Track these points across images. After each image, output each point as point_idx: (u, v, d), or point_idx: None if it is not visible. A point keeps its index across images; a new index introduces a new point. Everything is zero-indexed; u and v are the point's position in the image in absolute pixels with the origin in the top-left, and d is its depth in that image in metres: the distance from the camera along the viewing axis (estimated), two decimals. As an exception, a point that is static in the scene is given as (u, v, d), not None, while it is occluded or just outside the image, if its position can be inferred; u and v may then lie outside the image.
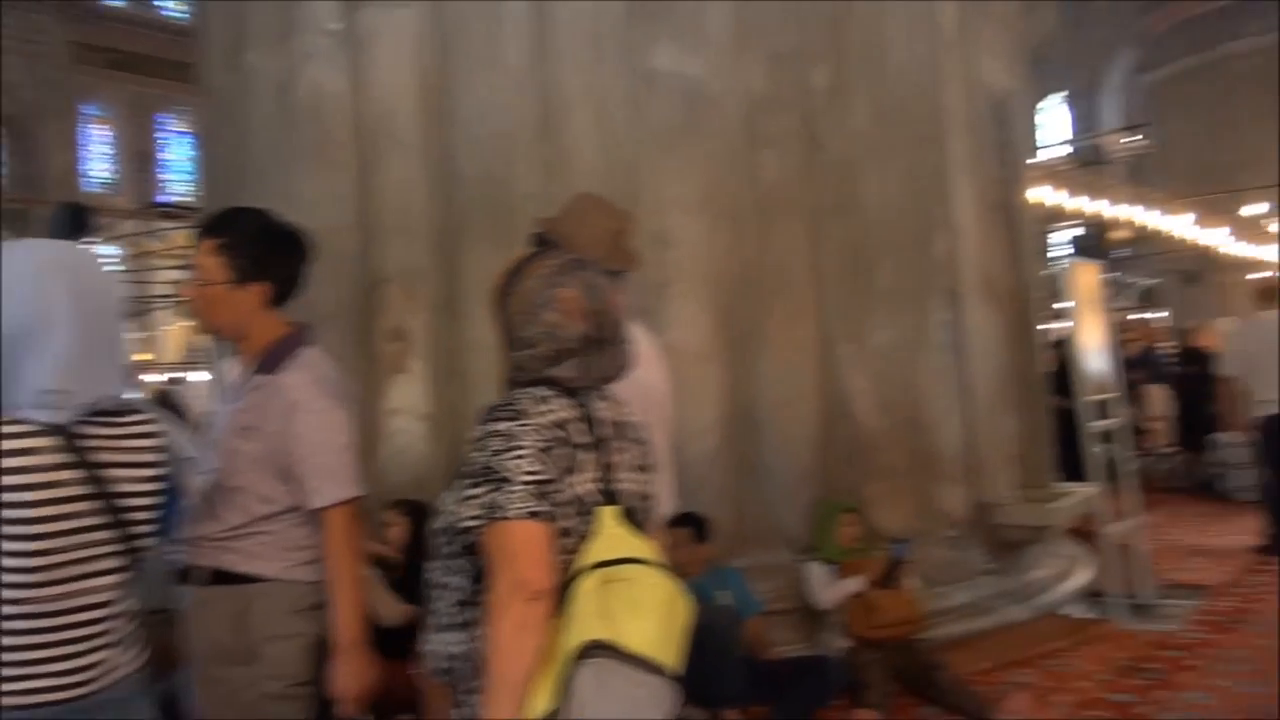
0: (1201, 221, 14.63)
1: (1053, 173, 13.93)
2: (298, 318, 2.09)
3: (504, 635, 1.35)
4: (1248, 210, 15.22)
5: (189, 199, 19.44)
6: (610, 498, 1.47)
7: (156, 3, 21.49)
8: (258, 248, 1.97)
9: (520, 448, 1.40)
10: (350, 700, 1.90)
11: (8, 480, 1.32)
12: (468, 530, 1.43)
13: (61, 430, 1.38)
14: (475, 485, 1.42)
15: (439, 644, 1.52)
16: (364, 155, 4.00)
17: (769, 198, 4.06)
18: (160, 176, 21.97)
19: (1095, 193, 13.24)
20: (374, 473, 3.74)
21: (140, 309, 17.03)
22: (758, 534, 3.93)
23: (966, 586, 4.18)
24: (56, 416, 1.37)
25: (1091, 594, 4.75)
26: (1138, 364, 9.20)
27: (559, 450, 1.43)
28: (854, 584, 3.63)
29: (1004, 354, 4.76)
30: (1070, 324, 5.11)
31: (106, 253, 15.25)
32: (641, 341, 2.23)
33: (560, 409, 1.47)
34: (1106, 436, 4.99)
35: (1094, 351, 5.15)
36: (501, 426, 1.43)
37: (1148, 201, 14.12)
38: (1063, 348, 5.76)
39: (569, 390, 1.50)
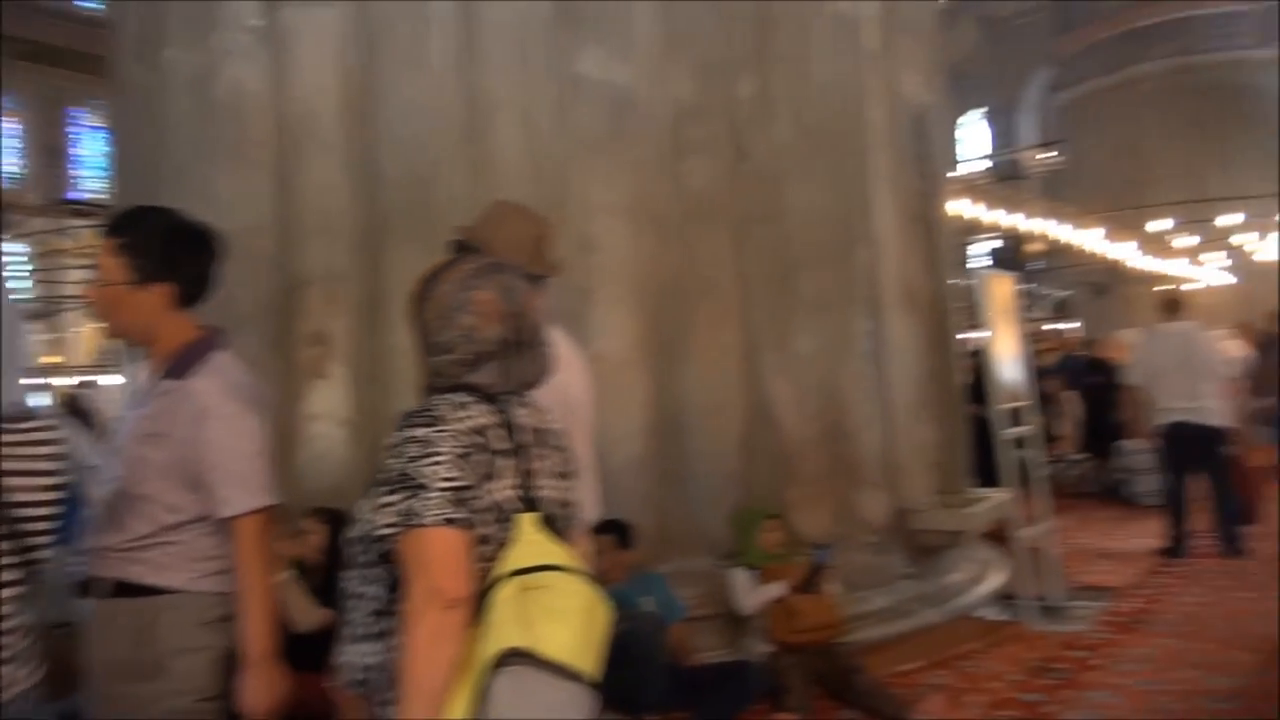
0: (1111, 236, 15.21)
1: (972, 186, 14.34)
2: (213, 320, 2.03)
3: (420, 644, 1.33)
4: (1153, 226, 15.86)
5: (101, 196, 18.77)
6: (530, 504, 1.46)
7: (69, -7, 20.73)
8: (160, 247, 1.91)
9: (437, 454, 1.39)
10: (260, 715, 1.85)
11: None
12: (383, 538, 1.41)
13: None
14: (391, 492, 1.40)
15: (354, 655, 1.49)
16: (284, 155, 3.91)
17: (695, 205, 4.10)
18: (71, 172, 21.16)
19: (1012, 207, 13.66)
20: (292, 479, 3.67)
21: (49, 309, 16.39)
22: (681, 540, 3.95)
23: (886, 591, 4.26)
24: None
25: (1004, 596, 4.88)
26: (1055, 372, 9.53)
27: (477, 457, 1.41)
28: (776, 589, 3.68)
29: (923, 363, 4.87)
30: (986, 334, 5.26)
31: (13, 250, 14.63)
32: (561, 345, 2.23)
33: (479, 415, 1.45)
34: (1019, 443, 5.15)
35: (1008, 361, 5.31)
36: (419, 433, 1.41)
37: (1061, 216, 14.63)
38: (979, 357, 5.92)
39: (488, 396, 1.49)
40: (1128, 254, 15.76)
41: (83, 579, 1.89)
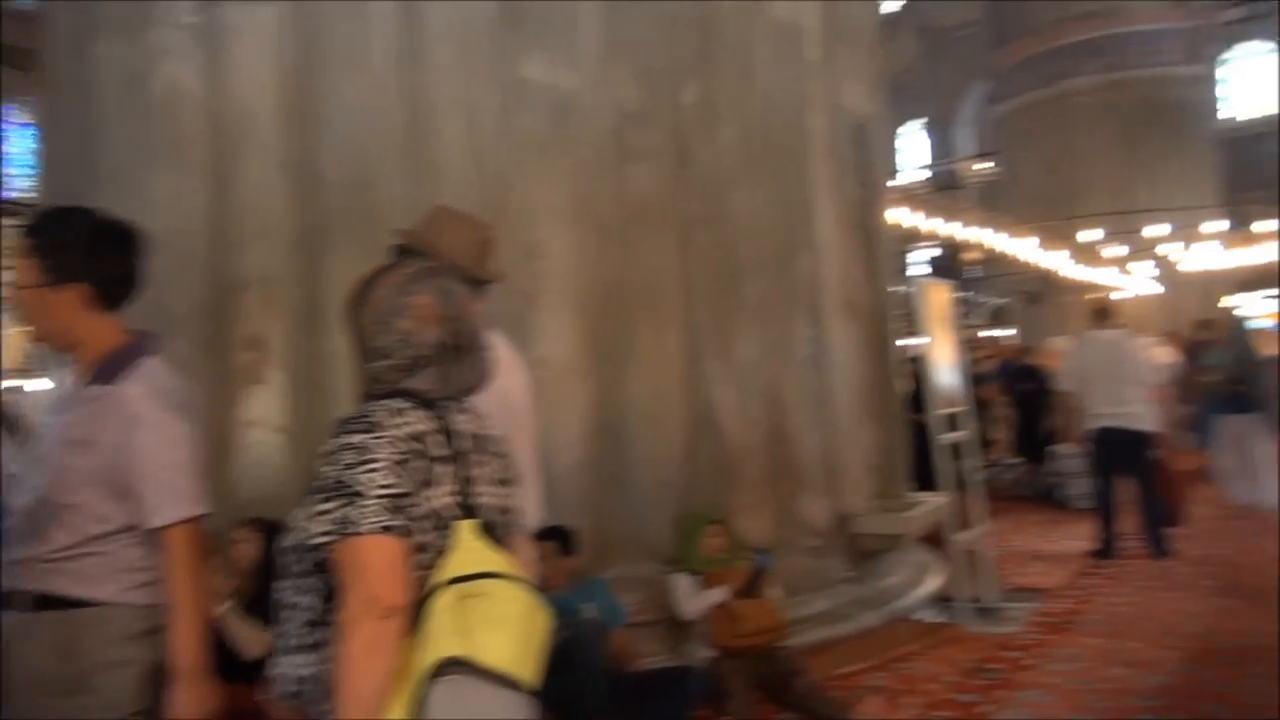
0: (1044, 245, 15.60)
1: (911, 195, 14.62)
2: (145, 324, 1.98)
3: (356, 655, 1.32)
4: (1084, 236, 16.30)
5: (29, 195, 18.18)
6: (469, 511, 1.45)
7: (-5, -16, 20.06)
8: (74, 247, 1.84)
9: (374, 461, 1.37)
10: (192, 729, 1.81)
11: None
12: (318, 547, 1.39)
13: None
14: (326, 500, 1.38)
15: (288, 666, 1.46)
16: (221, 155, 3.83)
17: (638, 211, 4.11)
18: (-2, 170, 20.45)
19: (950, 216, 13.94)
20: (227, 487, 3.60)
21: (-29, 311, 15.82)
22: (624, 546, 3.95)
23: (826, 594, 4.31)
24: None
25: (941, 599, 4.97)
26: (991, 378, 9.76)
27: (415, 463, 1.40)
28: (717, 594, 3.69)
29: (863, 369, 4.94)
30: (924, 340, 5.36)
31: (-67, 250, 14.10)
32: (502, 350, 2.22)
33: (417, 421, 1.44)
34: (956, 448, 5.25)
35: (945, 367, 5.42)
36: (355, 439, 1.39)
37: (997, 226, 14.96)
38: (918, 363, 6.03)
39: (427, 402, 1.48)
40: (1060, 263, 16.18)
41: (4, 591, 1.82)
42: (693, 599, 3.74)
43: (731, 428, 4.24)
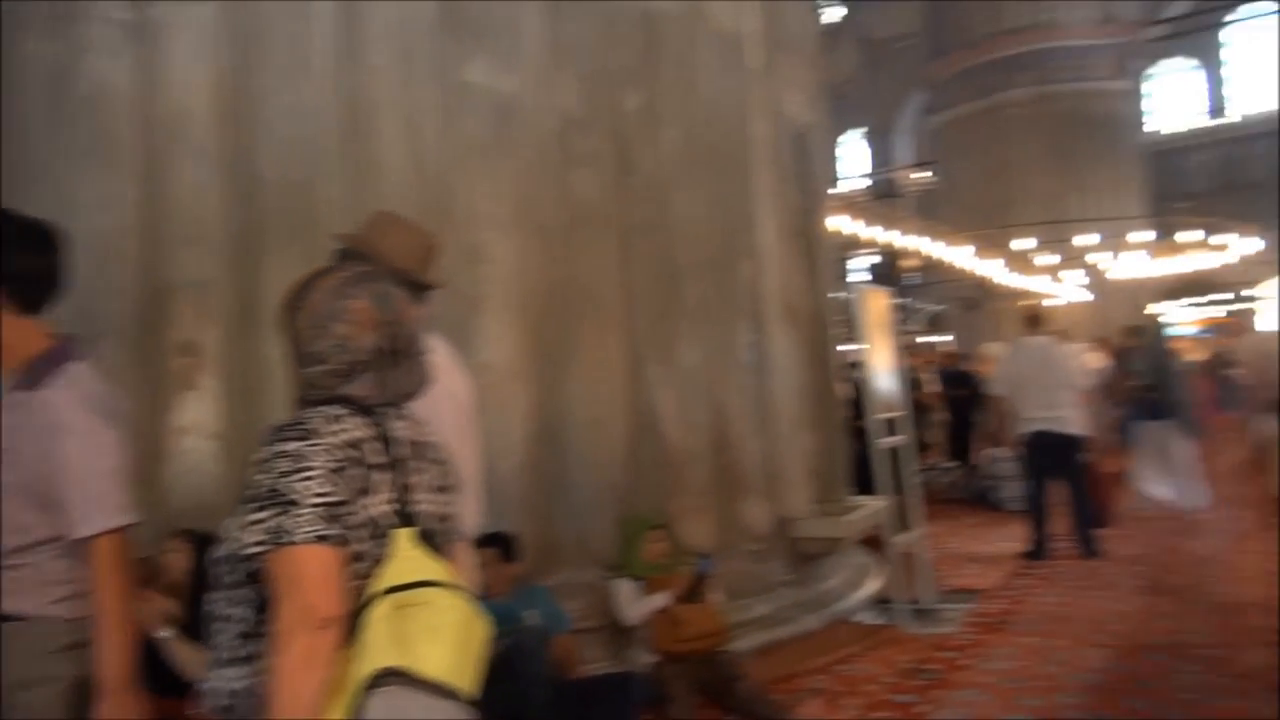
0: (979, 254, 15.97)
1: (851, 203, 14.85)
2: (75, 329, 1.91)
3: (290, 667, 1.29)
4: (1018, 244, 16.72)
5: (-52, 193, 17.49)
6: (407, 520, 1.43)
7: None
8: None
9: (310, 469, 1.35)
10: (118, 746, 1.75)
11: None
12: (251, 557, 1.36)
13: None
14: (260, 509, 1.35)
15: (219, 680, 1.43)
16: (153, 156, 3.73)
17: (581, 216, 4.10)
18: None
19: (889, 224, 14.20)
20: (159, 496, 3.51)
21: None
22: (566, 552, 3.94)
23: (767, 598, 4.35)
24: None
25: (880, 601, 5.05)
26: (929, 383, 9.95)
27: (352, 471, 1.38)
28: (660, 600, 3.70)
29: (803, 374, 5.00)
30: (863, 346, 5.44)
31: None
32: (443, 354, 2.21)
33: (354, 428, 1.42)
34: (894, 452, 5.34)
35: (884, 372, 5.51)
36: (290, 447, 1.37)
37: (934, 234, 15.28)
38: (858, 369, 6.12)
39: (364, 408, 1.46)
40: (995, 271, 16.58)
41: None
42: (635, 604, 3.74)
43: (673, 433, 4.25)
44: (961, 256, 15.77)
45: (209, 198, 3.72)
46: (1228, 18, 25.78)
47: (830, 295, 5.55)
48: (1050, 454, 6.42)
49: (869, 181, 27.73)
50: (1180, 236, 17.38)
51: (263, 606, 1.37)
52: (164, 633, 2.90)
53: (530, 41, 4.05)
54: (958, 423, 9.86)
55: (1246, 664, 4.14)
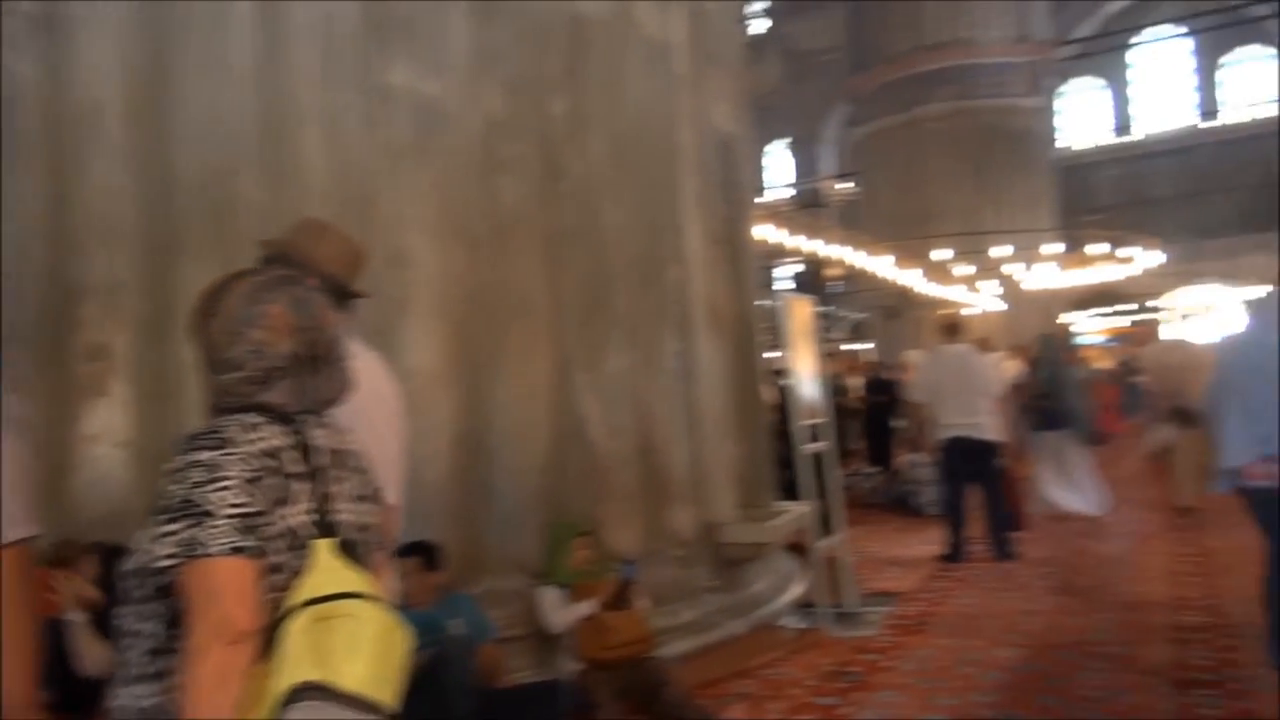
0: (900, 263, 16.35)
1: (776, 212, 15.06)
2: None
3: (203, 683, 1.25)
4: (936, 255, 17.17)
5: None
6: (327, 530, 1.40)
7: None
8: None
9: (225, 478, 1.31)
10: (20, 768, 1.68)
11: None
12: (163, 570, 1.31)
13: None
14: (172, 520, 1.31)
15: (128, 698, 1.38)
16: (62, 154, 3.60)
17: (507, 222, 4.08)
18: None
19: (812, 233, 14.43)
20: (67, 506, 3.38)
21: None
22: (492, 560, 3.91)
23: (692, 604, 4.37)
24: None
25: (804, 605, 5.12)
26: (853, 390, 10.15)
27: (269, 480, 1.35)
28: (586, 607, 3.69)
29: (729, 381, 5.05)
30: (787, 353, 5.52)
31: None
32: (370, 360, 2.18)
33: (272, 436, 1.38)
34: (817, 458, 5.43)
35: (807, 379, 5.60)
36: (204, 456, 1.33)
37: (856, 243, 15.58)
38: (782, 376, 6.21)
39: (282, 416, 1.42)
40: (915, 280, 16.99)
41: None
42: (561, 612, 3.73)
43: (600, 439, 4.25)
44: (883, 266, 16.13)
45: (120, 198, 3.60)
46: (1133, 40, 26.96)
47: (756, 303, 5.62)
48: (967, 459, 6.60)
49: (793, 191, 28.19)
50: (1089, 249, 18.07)
51: (174, 621, 1.33)
52: (74, 616, 2.80)
53: (455, 45, 4.02)
54: (878, 429, 10.08)
55: (1149, 661, 4.31)
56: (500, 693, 3.41)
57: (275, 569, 1.33)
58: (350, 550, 1.42)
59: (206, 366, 1.46)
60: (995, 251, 17.34)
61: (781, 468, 5.71)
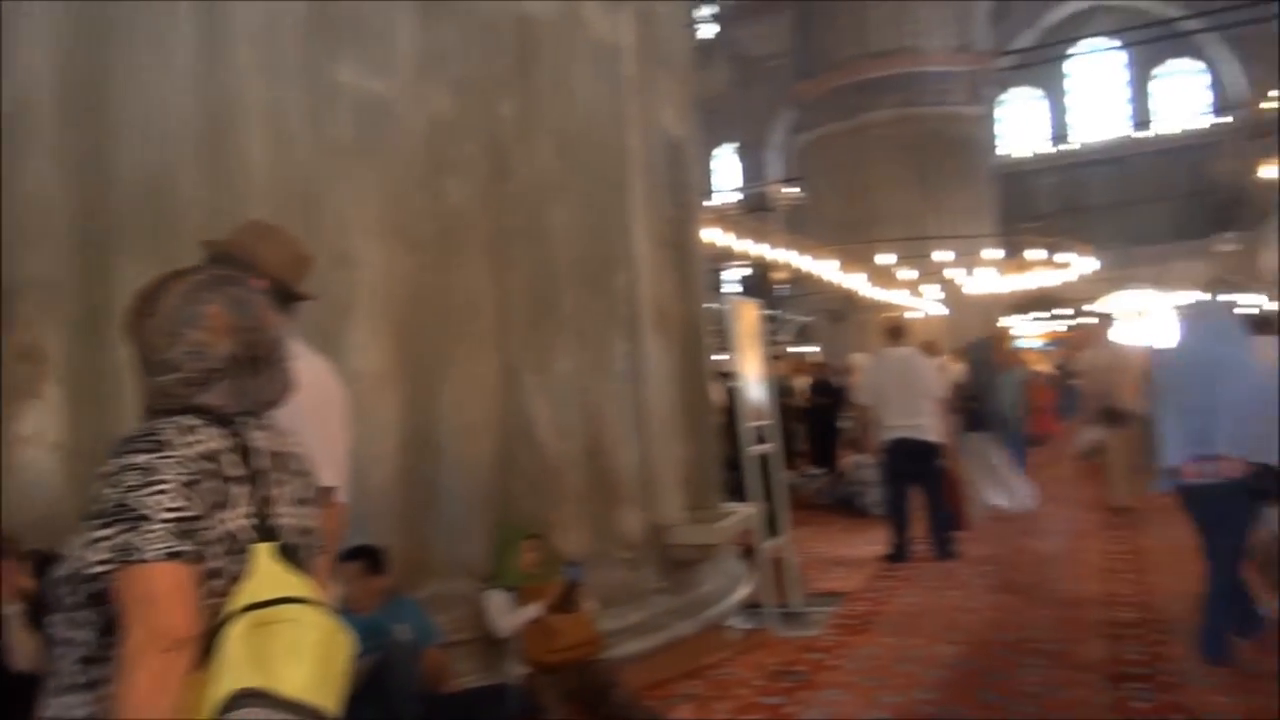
0: (845, 267, 16.57)
1: (723, 216, 15.16)
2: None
3: (138, 692, 1.22)
4: (880, 259, 17.42)
5: None
6: (267, 534, 1.38)
7: None
8: None
9: (161, 482, 1.28)
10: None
11: None
12: (96, 576, 1.28)
13: None
14: (107, 525, 1.27)
15: (60, 708, 1.34)
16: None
17: (453, 223, 4.05)
18: None
19: (759, 237, 14.56)
20: (-5, 511, 3.27)
21: None
22: (438, 563, 3.87)
23: (640, 606, 4.37)
24: None
25: (751, 605, 5.16)
26: (800, 392, 10.25)
27: (207, 484, 1.32)
28: (533, 610, 3.68)
29: (677, 383, 5.06)
30: (734, 356, 5.56)
31: None
32: (312, 359, 2.16)
33: (210, 439, 1.35)
34: (764, 459, 5.47)
35: (754, 382, 5.64)
36: (139, 459, 1.29)
37: (802, 248, 15.76)
38: (730, 378, 6.26)
39: (221, 418, 1.40)
40: (860, 284, 17.23)
41: None
42: (508, 615, 3.71)
43: (548, 441, 4.24)
44: (828, 270, 16.33)
45: (55, 194, 3.51)
46: (1070, 51, 27.69)
47: (703, 305, 5.64)
48: (910, 460, 6.71)
49: (741, 195, 28.40)
50: (1027, 255, 18.50)
51: (107, 629, 1.29)
52: (9, 608, 2.72)
53: (402, 44, 3.98)
54: (823, 430, 10.19)
55: (1085, 656, 4.42)
56: (446, 698, 3.39)
57: (214, 574, 1.31)
58: (291, 554, 1.40)
59: (143, 367, 1.42)
60: (938, 256, 17.67)
61: (729, 469, 5.74)
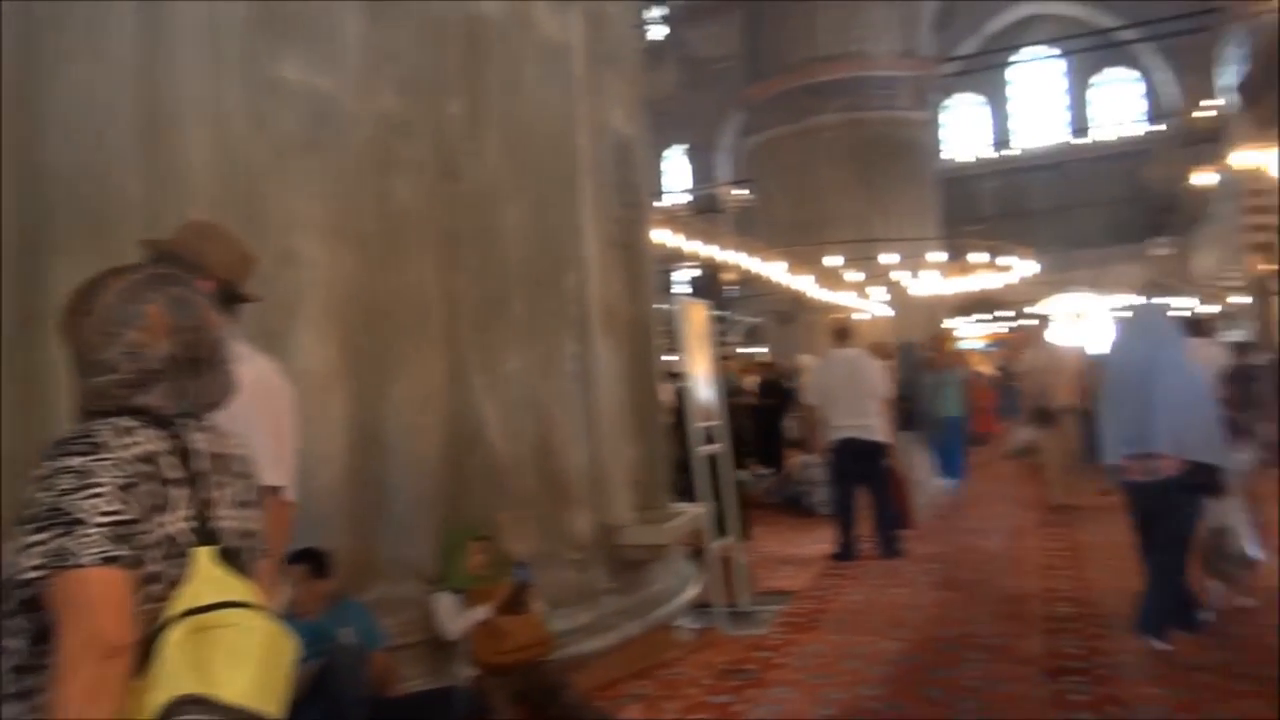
0: (793, 269, 16.72)
1: (673, 217, 15.21)
2: None
3: (75, 700, 1.19)
4: (828, 261, 17.61)
5: None
6: (207, 537, 1.35)
7: None
8: None
9: (97, 485, 1.25)
10: None
11: None
12: (29, 583, 1.24)
13: None
14: (40, 530, 1.24)
15: (-10, 719, 1.30)
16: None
17: (400, 223, 4.00)
18: None
19: (709, 238, 14.64)
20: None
21: None
22: (385, 566, 3.83)
23: (590, 606, 4.37)
24: None
25: (700, 605, 5.18)
26: (749, 393, 10.32)
27: (145, 487, 1.29)
28: (481, 612, 3.66)
29: (626, 384, 5.06)
30: (683, 357, 5.58)
31: None
32: (257, 360, 2.13)
33: (147, 441, 1.32)
34: (713, 459, 5.50)
35: (703, 382, 5.67)
36: (74, 462, 1.26)
37: (751, 249, 15.88)
38: (679, 379, 6.28)
39: (159, 420, 1.36)
40: (807, 286, 17.40)
41: None
42: (455, 618, 3.68)
43: (497, 442, 4.21)
44: (777, 271, 16.47)
45: (-15, 191, 3.39)
46: (1011, 59, 28.30)
47: (653, 306, 5.66)
48: (856, 460, 6.80)
49: (690, 197, 28.52)
50: (970, 257, 18.84)
51: (40, 637, 1.26)
52: None
53: (348, 41, 3.92)
54: (770, 430, 10.26)
55: (1024, 651, 4.52)
56: (394, 701, 3.35)
57: (152, 579, 1.28)
58: (232, 558, 1.37)
59: (78, 368, 1.39)
60: (884, 259, 17.90)
61: (680, 469, 5.76)
